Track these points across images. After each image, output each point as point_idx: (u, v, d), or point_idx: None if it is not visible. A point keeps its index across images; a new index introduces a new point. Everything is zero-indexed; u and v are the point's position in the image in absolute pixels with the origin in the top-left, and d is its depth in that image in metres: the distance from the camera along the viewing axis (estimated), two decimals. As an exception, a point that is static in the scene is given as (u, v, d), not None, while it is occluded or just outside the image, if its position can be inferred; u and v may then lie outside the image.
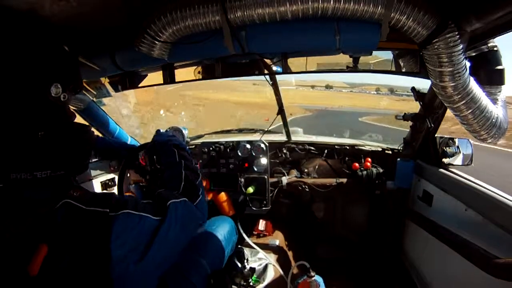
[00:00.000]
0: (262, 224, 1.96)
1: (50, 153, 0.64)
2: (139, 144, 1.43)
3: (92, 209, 0.61)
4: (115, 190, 1.82)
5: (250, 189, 1.75)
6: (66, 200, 0.59)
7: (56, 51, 0.70)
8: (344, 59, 1.20)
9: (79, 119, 1.33)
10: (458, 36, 0.86)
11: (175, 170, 0.89)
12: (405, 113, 1.59)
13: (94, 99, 1.60)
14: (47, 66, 0.65)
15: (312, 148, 2.04)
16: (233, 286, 1.42)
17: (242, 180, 1.75)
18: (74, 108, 1.46)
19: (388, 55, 1.29)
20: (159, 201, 0.74)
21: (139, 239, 0.64)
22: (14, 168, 0.61)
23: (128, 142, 1.92)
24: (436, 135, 1.50)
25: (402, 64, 1.28)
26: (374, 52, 1.15)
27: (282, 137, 2.13)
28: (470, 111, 0.97)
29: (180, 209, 0.75)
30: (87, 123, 1.63)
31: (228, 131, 2.38)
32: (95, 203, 0.62)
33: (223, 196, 1.79)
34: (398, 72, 1.30)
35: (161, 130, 1.71)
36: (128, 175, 1.40)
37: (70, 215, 0.58)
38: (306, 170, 2.08)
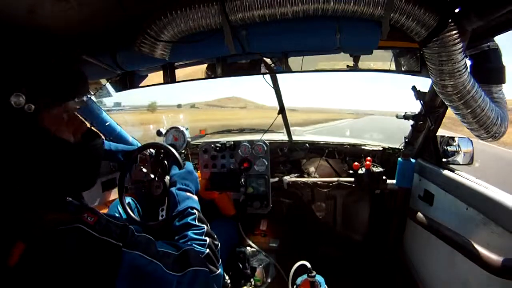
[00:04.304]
0: (263, 224, 1.96)
1: (32, 169, 0.61)
2: (137, 146, 1.43)
3: (105, 239, 0.59)
4: (115, 191, 1.82)
5: (251, 189, 1.75)
6: (79, 226, 0.58)
7: (27, 55, 0.63)
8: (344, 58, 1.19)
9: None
10: (458, 35, 0.86)
11: (195, 234, 0.84)
12: (405, 112, 1.59)
13: (95, 99, 1.61)
14: (8, 72, 0.59)
15: (313, 147, 2.04)
16: (235, 286, 1.42)
17: (243, 180, 1.75)
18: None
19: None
20: (181, 257, 0.71)
21: (146, 285, 0.63)
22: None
23: (129, 141, 1.92)
24: (437, 134, 1.50)
25: (402, 62, 1.28)
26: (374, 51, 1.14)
27: (283, 137, 2.13)
28: (470, 109, 0.97)
29: (197, 280, 0.71)
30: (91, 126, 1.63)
31: (229, 131, 2.38)
32: (109, 232, 0.61)
33: (223, 196, 1.79)
34: (398, 71, 1.30)
35: (162, 130, 1.72)
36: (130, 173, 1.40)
37: (80, 241, 0.57)
38: (307, 170, 2.08)
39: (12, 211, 0.59)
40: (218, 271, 0.80)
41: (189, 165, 1.17)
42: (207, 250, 0.80)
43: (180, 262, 0.70)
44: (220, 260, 0.84)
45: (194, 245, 0.79)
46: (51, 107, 0.63)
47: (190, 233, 0.84)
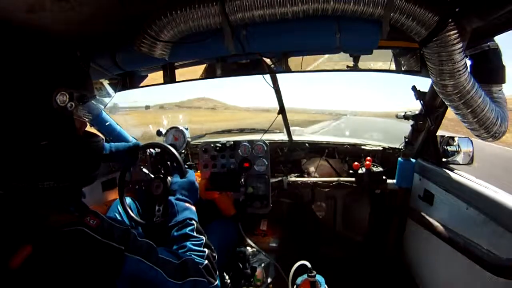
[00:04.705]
0: (263, 224, 1.97)
1: (53, 164, 0.63)
2: (139, 145, 1.43)
3: (108, 242, 0.60)
4: (115, 191, 1.82)
5: (251, 189, 1.75)
6: (81, 229, 0.58)
7: (60, 57, 0.68)
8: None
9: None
10: (458, 35, 0.86)
11: (194, 245, 0.85)
12: (405, 112, 1.59)
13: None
14: (49, 72, 0.63)
15: (313, 147, 2.04)
16: (235, 286, 1.42)
17: (243, 180, 1.75)
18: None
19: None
20: (181, 267, 0.72)
21: None
22: (16, 176, 0.60)
23: (129, 141, 1.92)
24: (437, 134, 1.50)
25: (402, 62, 1.28)
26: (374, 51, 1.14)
27: (283, 137, 2.13)
28: (470, 109, 0.97)
29: None
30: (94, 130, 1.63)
31: (229, 131, 2.38)
32: (111, 236, 0.61)
33: (224, 196, 1.79)
34: (398, 71, 1.29)
35: (162, 130, 1.72)
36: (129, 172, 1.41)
37: (83, 244, 0.57)
38: (307, 170, 2.08)
39: (16, 211, 0.59)
40: (216, 283, 0.81)
41: (191, 175, 1.17)
42: (206, 262, 0.81)
43: (180, 271, 0.71)
44: (217, 271, 0.85)
45: (193, 256, 0.80)
46: (81, 105, 0.67)
47: (189, 244, 0.85)
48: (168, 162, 1.35)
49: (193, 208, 1.02)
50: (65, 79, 0.65)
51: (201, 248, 0.84)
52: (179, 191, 1.06)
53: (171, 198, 1.02)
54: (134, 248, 0.64)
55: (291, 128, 2.05)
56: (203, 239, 0.88)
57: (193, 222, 0.93)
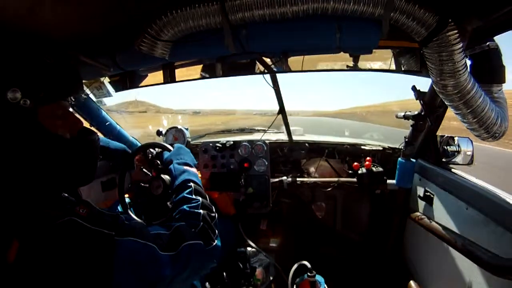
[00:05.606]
0: (263, 224, 1.97)
1: (22, 166, 0.61)
2: (138, 146, 1.43)
3: (98, 229, 0.59)
4: (115, 191, 1.82)
5: (251, 189, 1.75)
6: (72, 218, 0.58)
7: (16, 54, 0.64)
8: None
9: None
10: (458, 35, 0.86)
11: (190, 208, 0.83)
12: (405, 112, 1.58)
13: (94, 99, 1.61)
14: (2, 69, 0.60)
15: (313, 147, 2.04)
16: (234, 286, 1.42)
17: (243, 180, 1.75)
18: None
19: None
20: (173, 236, 0.71)
21: (143, 269, 0.63)
22: None
23: (129, 140, 1.92)
24: (437, 134, 1.50)
25: (402, 62, 1.28)
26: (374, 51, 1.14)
27: (283, 137, 2.13)
28: (470, 109, 0.97)
29: (194, 254, 0.72)
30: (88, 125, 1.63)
31: (229, 131, 2.39)
32: (101, 223, 0.61)
33: (224, 196, 1.79)
34: (398, 70, 1.29)
35: (162, 130, 1.72)
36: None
37: (74, 233, 0.57)
38: (307, 170, 2.08)
39: (8, 208, 0.59)
40: (215, 243, 0.79)
41: (177, 145, 1.18)
42: (201, 223, 0.79)
43: (173, 240, 0.70)
44: (217, 232, 0.83)
45: (188, 219, 0.79)
46: (45, 103, 0.64)
47: (185, 207, 0.83)
48: (157, 160, 1.35)
49: (192, 169, 1.01)
50: (21, 76, 0.61)
51: (197, 210, 0.82)
52: (174, 158, 1.05)
53: (170, 166, 1.01)
54: (125, 230, 0.63)
55: (291, 129, 2.05)
56: (199, 200, 0.86)
57: (191, 184, 0.91)
